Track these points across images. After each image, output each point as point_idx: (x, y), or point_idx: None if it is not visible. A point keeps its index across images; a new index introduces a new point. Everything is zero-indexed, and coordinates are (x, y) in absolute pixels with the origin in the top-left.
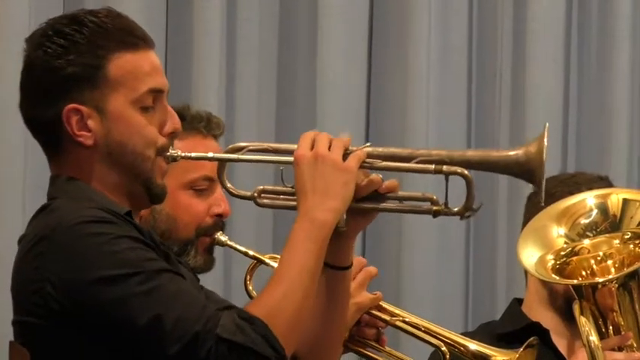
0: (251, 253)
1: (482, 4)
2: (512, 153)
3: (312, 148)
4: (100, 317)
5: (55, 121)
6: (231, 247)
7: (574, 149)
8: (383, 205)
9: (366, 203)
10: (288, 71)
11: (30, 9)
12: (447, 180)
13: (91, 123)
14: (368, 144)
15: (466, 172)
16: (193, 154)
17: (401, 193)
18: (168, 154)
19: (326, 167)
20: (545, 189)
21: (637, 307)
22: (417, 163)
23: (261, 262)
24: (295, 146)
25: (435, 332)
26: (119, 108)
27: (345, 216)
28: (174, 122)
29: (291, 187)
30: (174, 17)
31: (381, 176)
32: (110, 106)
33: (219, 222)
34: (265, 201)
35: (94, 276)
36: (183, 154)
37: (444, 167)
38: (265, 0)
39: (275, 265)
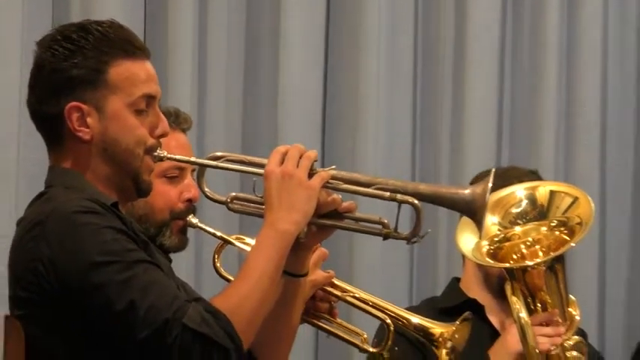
0: (218, 234)
1: (426, 15)
2: (460, 192)
3: (282, 163)
4: (83, 299)
5: (58, 116)
6: (201, 228)
7: (507, 146)
8: (340, 223)
9: (325, 220)
10: (254, 74)
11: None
12: (399, 207)
13: (90, 120)
14: (333, 167)
15: (417, 202)
16: (177, 157)
17: (357, 214)
18: (156, 154)
19: (292, 184)
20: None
21: (562, 287)
22: (374, 189)
23: (227, 242)
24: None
25: (381, 307)
26: (116, 109)
27: (305, 229)
28: (163, 126)
29: (261, 197)
30: (151, 24)
31: (340, 197)
32: (108, 107)
33: (191, 207)
34: (236, 207)
35: (81, 261)
36: (168, 155)
37: (398, 196)
38: (233, 6)
39: (240, 245)
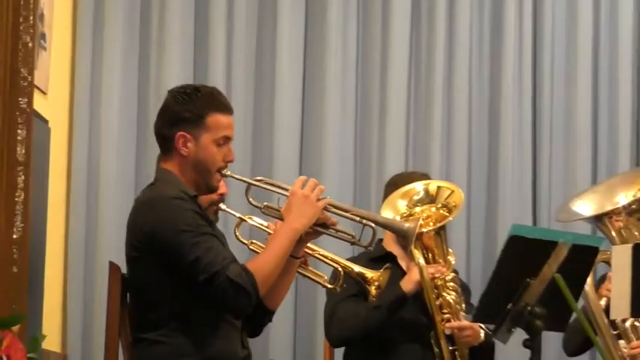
0: (237, 215)
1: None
2: (402, 225)
3: (302, 188)
4: (170, 251)
5: (170, 138)
6: (227, 211)
7: (412, 154)
8: (327, 230)
9: (319, 227)
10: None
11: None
12: (363, 227)
13: (189, 145)
14: (330, 198)
15: (374, 226)
16: (236, 175)
17: (338, 227)
18: (223, 172)
19: (306, 202)
20: (393, 181)
21: (444, 244)
22: (351, 214)
23: (242, 220)
24: (291, 186)
25: (335, 260)
26: (206, 142)
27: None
28: (231, 156)
29: (280, 207)
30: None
31: (329, 215)
32: (202, 140)
33: (222, 198)
34: (266, 211)
35: (172, 228)
36: (229, 174)
37: (364, 220)
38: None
39: (250, 222)
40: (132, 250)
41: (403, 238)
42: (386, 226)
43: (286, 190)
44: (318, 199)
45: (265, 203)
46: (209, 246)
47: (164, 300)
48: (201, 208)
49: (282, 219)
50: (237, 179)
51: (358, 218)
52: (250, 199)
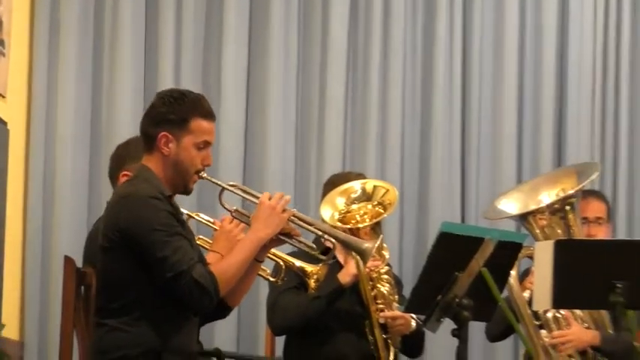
0: (220, 183)
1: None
2: (360, 243)
3: (270, 199)
4: (141, 248)
5: (154, 136)
6: (208, 179)
7: (350, 155)
8: (290, 240)
9: (282, 236)
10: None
11: None
12: (324, 240)
13: (171, 145)
14: (295, 210)
15: (334, 241)
16: (213, 179)
17: (300, 239)
18: (200, 174)
19: (272, 213)
20: (331, 181)
21: (378, 238)
22: (314, 228)
23: (224, 189)
24: (261, 195)
25: (277, 255)
26: (187, 144)
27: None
28: (209, 160)
29: (250, 214)
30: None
31: (294, 226)
32: (183, 141)
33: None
34: (236, 215)
35: (146, 226)
36: (206, 176)
37: (326, 235)
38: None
39: (232, 190)
40: (105, 240)
41: (360, 255)
42: (345, 243)
43: (256, 197)
44: (284, 211)
45: (235, 208)
46: (178, 245)
47: (129, 291)
48: (174, 208)
49: (249, 224)
50: (213, 182)
51: (320, 232)
52: (222, 202)
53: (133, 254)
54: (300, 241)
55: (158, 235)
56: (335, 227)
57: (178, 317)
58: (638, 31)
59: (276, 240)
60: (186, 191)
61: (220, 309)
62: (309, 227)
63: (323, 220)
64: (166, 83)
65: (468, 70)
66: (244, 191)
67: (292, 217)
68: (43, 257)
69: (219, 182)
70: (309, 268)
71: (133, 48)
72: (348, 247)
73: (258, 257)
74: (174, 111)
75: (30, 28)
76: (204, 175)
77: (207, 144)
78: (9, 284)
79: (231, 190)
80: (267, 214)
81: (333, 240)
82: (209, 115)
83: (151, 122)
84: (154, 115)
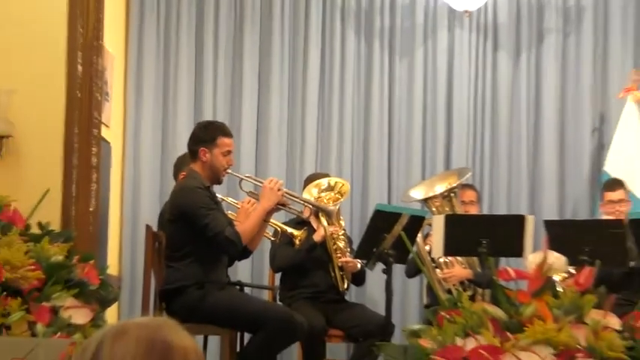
0: (239, 175)
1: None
2: (328, 207)
3: (270, 183)
4: (192, 218)
5: (196, 150)
6: (232, 174)
7: (320, 161)
8: (283, 208)
9: (280, 206)
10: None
11: None
12: (310, 209)
13: (207, 155)
14: (286, 189)
15: (311, 206)
16: (234, 173)
17: (289, 207)
18: (226, 171)
19: (272, 191)
20: (309, 178)
21: (339, 214)
22: (299, 199)
23: (242, 179)
24: (264, 180)
25: (276, 223)
26: (216, 154)
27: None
28: (231, 162)
29: (257, 194)
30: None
31: (287, 200)
32: (214, 152)
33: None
34: (250, 195)
35: (194, 204)
36: (230, 172)
37: (306, 203)
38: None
39: (247, 179)
40: (171, 215)
41: (328, 214)
42: (319, 207)
43: (261, 182)
44: (279, 190)
45: (250, 190)
46: (215, 216)
47: (185, 245)
48: (212, 194)
49: (258, 200)
50: (234, 175)
51: (303, 202)
52: (242, 187)
53: (187, 223)
54: (291, 208)
55: (201, 210)
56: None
57: (214, 260)
58: (499, 83)
59: (275, 208)
60: (219, 182)
61: (245, 252)
62: (296, 199)
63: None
64: (207, 116)
65: (393, 92)
66: (254, 179)
67: (284, 194)
68: (134, 225)
69: (238, 175)
70: (295, 232)
71: (188, 95)
72: (320, 209)
73: (265, 219)
74: (206, 134)
75: (124, 84)
76: (230, 171)
77: (229, 152)
78: (112, 242)
79: (246, 180)
80: (268, 192)
81: (311, 206)
82: (228, 134)
83: (193, 142)
84: (195, 137)
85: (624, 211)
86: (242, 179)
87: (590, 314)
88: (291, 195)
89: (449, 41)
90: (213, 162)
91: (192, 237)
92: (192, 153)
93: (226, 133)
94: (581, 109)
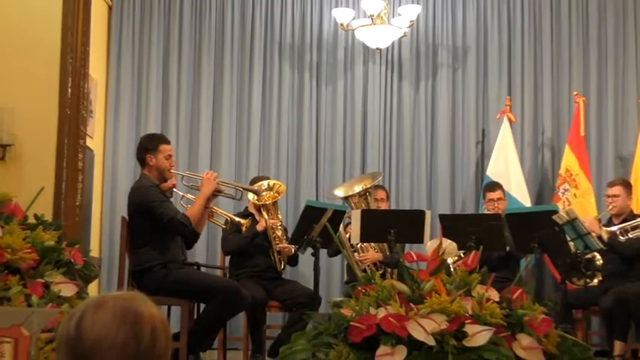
0: (180, 172)
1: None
2: (254, 187)
3: (207, 174)
4: (148, 210)
5: (144, 158)
6: (174, 173)
7: (262, 166)
8: (220, 194)
9: (216, 192)
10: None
11: None
12: (242, 193)
13: (153, 159)
14: (220, 179)
15: (242, 189)
16: (177, 172)
17: (224, 192)
18: (170, 171)
19: (209, 181)
20: (253, 179)
21: (276, 209)
22: (232, 185)
23: (183, 176)
24: (202, 173)
25: (226, 214)
26: (160, 157)
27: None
28: (172, 164)
29: (198, 186)
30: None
31: (223, 187)
32: (158, 156)
33: (173, 187)
34: (191, 187)
35: (149, 200)
36: (173, 171)
37: (238, 187)
38: None
39: (187, 175)
40: (130, 211)
41: (255, 193)
42: (247, 189)
43: (200, 176)
44: (215, 179)
45: (191, 183)
46: (166, 206)
47: (145, 233)
48: (160, 190)
49: (199, 189)
50: (177, 174)
51: (234, 186)
52: (184, 183)
53: (145, 215)
54: (226, 193)
55: (155, 203)
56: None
57: (170, 243)
58: (403, 106)
59: (213, 195)
60: (165, 181)
61: (195, 234)
62: (229, 185)
63: (251, 201)
64: (172, 130)
65: (322, 121)
66: (194, 175)
67: (219, 182)
68: (111, 217)
69: (179, 173)
70: (242, 221)
71: (155, 112)
72: (248, 190)
73: (206, 205)
74: (151, 143)
75: (105, 104)
76: (173, 171)
77: (170, 156)
78: (94, 230)
79: (187, 176)
80: (206, 182)
81: (241, 188)
82: (168, 142)
83: (141, 151)
84: (142, 147)
85: (502, 207)
86: (184, 176)
87: (476, 289)
88: (225, 183)
89: (364, 72)
90: (158, 165)
91: (150, 226)
92: (141, 160)
93: (166, 141)
94: (468, 127)
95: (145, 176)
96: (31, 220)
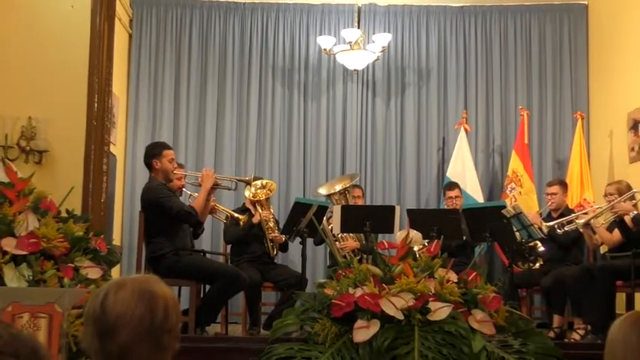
0: (183, 172)
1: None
2: (245, 177)
3: (205, 171)
4: (159, 205)
5: (150, 163)
6: (177, 173)
7: (258, 167)
8: (217, 187)
9: (215, 186)
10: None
11: None
12: (236, 184)
13: (159, 164)
14: (216, 174)
15: (236, 180)
16: (179, 172)
17: (221, 185)
18: (174, 172)
19: (209, 176)
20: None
21: (269, 204)
22: (228, 178)
23: (186, 175)
24: (203, 170)
25: (226, 210)
26: (164, 161)
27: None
28: (175, 166)
29: (200, 182)
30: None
31: (220, 181)
32: (162, 160)
33: (183, 187)
34: (193, 183)
35: (158, 197)
36: (176, 172)
37: (233, 179)
38: None
39: (189, 174)
40: (142, 208)
41: (247, 183)
42: (240, 180)
43: (199, 174)
44: (213, 174)
45: (195, 180)
46: (174, 200)
47: (157, 224)
48: (168, 188)
49: (200, 185)
50: (180, 174)
51: (229, 179)
52: (186, 181)
53: (156, 210)
54: (224, 186)
55: (164, 199)
56: (248, 197)
57: (179, 232)
58: (376, 119)
59: (212, 188)
60: (171, 181)
61: (199, 223)
62: (225, 178)
63: (247, 197)
64: (182, 139)
65: (308, 131)
66: (193, 173)
67: (216, 177)
68: (131, 212)
69: (182, 173)
70: (240, 216)
71: (168, 124)
72: (240, 180)
73: (207, 198)
74: (155, 150)
75: (126, 116)
76: (176, 172)
77: (172, 159)
78: (116, 223)
79: (189, 175)
80: (205, 177)
81: (236, 180)
82: (170, 147)
83: (147, 157)
84: (148, 154)
85: (459, 203)
86: (186, 175)
87: (438, 272)
88: (221, 177)
89: (343, 90)
90: (163, 167)
91: (161, 219)
92: (148, 165)
93: (168, 147)
94: (431, 136)
95: (154, 178)
96: (63, 215)
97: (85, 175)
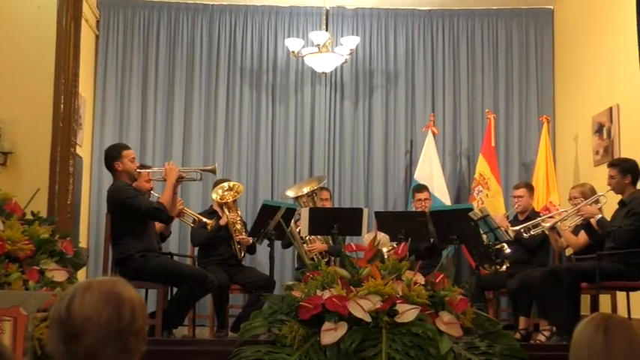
0: (147, 170)
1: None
2: (207, 167)
3: (168, 165)
4: (126, 204)
5: (113, 165)
6: (141, 171)
7: (225, 170)
8: (181, 180)
9: (179, 179)
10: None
11: None
12: (201, 174)
13: (120, 165)
14: (180, 167)
15: (200, 170)
16: (143, 170)
17: (185, 178)
18: (137, 170)
19: (171, 171)
20: (216, 182)
21: (236, 206)
22: (192, 169)
23: (149, 172)
24: (165, 165)
25: (194, 214)
26: (125, 162)
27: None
28: (137, 165)
29: (164, 177)
30: None
31: (184, 174)
32: (124, 161)
33: (151, 188)
34: (158, 179)
35: (125, 197)
36: (139, 170)
37: (198, 170)
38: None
39: (153, 170)
40: (109, 210)
41: (212, 172)
42: (204, 170)
43: (162, 169)
44: (175, 167)
45: (160, 177)
46: (141, 198)
47: (124, 227)
48: (133, 187)
49: (165, 180)
50: (143, 171)
51: (193, 170)
52: (151, 177)
53: (123, 211)
54: (188, 178)
55: (131, 199)
56: (216, 200)
57: (145, 233)
58: (344, 121)
59: (177, 181)
60: (136, 180)
61: (169, 218)
62: (188, 170)
63: (215, 200)
64: (149, 141)
65: (276, 133)
66: (157, 169)
67: (180, 169)
68: (97, 213)
69: (145, 170)
70: (208, 221)
71: (135, 126)
72: (205, 171)
73: (174, 191)
74: (115, 152)
75: (92, 117)
76: (139, 170)
77: (133, 159)
78: (83, 225)
79: (153, 171)
80: (169, 171)
81: (200, 170)
82: (129, 147)
83: (108, 160)
84: (108, 157)
85: (427, 206)
86: (151, 172)
87: (405, 274)
88: (185, 169)
89: (312, 93)
90: (126, 168)
91: (127, 220)
92: (110, 169)
93: (127, 147)
94: (399, 138)
95: (118, 179)
96: (29, 217)
97: (50, 177)
